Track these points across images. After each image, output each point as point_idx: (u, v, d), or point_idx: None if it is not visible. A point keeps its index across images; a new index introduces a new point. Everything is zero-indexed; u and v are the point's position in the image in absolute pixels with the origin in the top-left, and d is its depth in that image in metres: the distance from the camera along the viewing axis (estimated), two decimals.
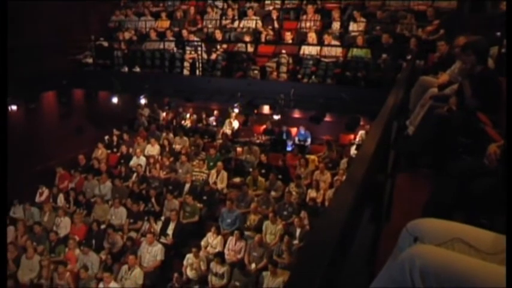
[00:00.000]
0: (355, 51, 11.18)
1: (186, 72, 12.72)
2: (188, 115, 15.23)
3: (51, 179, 12.22)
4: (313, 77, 11.31)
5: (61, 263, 8.80)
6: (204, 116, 14.97)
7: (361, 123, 11.04)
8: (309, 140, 13.27)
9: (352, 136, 12.80)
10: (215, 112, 14.77)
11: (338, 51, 11.32)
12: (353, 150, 11.68)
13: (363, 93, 10.26)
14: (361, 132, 12.11)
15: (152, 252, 8.86)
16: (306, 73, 11.40)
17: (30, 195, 11.53)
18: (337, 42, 11.46)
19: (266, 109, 12.36)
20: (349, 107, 10.24)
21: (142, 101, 13.46)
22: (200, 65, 12.50)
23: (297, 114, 13.41)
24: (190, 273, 8.56)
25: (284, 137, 13.46)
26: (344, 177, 9.93)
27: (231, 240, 8.99)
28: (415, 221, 1.90)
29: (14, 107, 11.97)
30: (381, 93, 5.43)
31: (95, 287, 8.24)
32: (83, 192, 11.31)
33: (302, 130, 13.29)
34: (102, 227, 9.90)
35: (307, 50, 11.63)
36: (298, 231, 8.95)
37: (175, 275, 8.20)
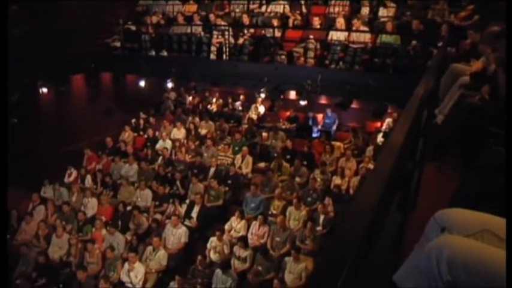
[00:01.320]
0: (384, 38, 10.98)
1: (212, 56, 12.72)
2: (214, 99, 15.25)
3: (80, 160, 12.46)
4: (340, 63, 11.17)
5: (88, 242, 9.02)
6: (230, 100, 14.96)
7: (389, 110, 10.89)
8: (335, 126, 13.17)
9: (379, 124, 12.63)
10: (241, 97, 14.74)
11: (367, 37, 11.15)
12: (380, 138, 11.53)
13: (391, 81, 10.11)
14: (388, 120, 11.94)
15: (176, 235, 8.99)
16: (333, 59, 11.27)
17: (59, 176, 11.79)
18: (366, 28, 11.27)
19: (292, 95, 12.29)
20: (377, 94, 10.10)
21: (169, 84, 13.53)
22: (227, 50, 12.48)
23: (323, 100, 13.29)
24: (213, 256, 8.65)
25: (310, 123, 13.37)
26: (369, 165, 9.89)
27: (255, 224, 9.03)
28: (443, 211, 1.87)
29: (45, 90, 12.20)
30: (410, 80, 5.33)
31: (121, 267, 8.40)
32: (109, 174, 11.51)
33: (329, 113, 13.18)
34: (128, 208, 10.06)
35: (335, 35, 11.48)
36: (321, 217, 8.94)
37: (199, 257, 8.28)
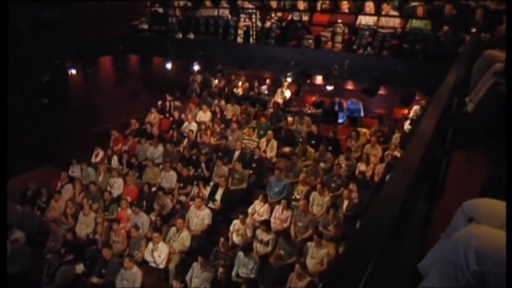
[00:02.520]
0: (415, 23, 10.72)
1: (239, 39, 12.67)
2: (240, 83, 15.23)
3: (106, 141, 12.65)
4: (368, 48, 10.98)
5: (114, 221, 9.20)
6: (256, 84, 14.92)
7: (417, 97, 10.69)
8: (361, 113, 13.01)
9: (406, 111, 12.41)
10: (267, 81, 14.67)
11: (396, 22, 10.92)
12: (407, 126, 11.35)
13: (420, 67, 9.90)
14: (416, 107, 11.73)
15: (200, 216, 9.08)
16: (361, 44, 11.08)
17: (87, 156, 12.01)
18: (395, 13, 11.04)
19: (319, 79, 12.17)
20: (405, 80, 9.92)
21: (196, 67, 13.55)
22: (254, 33, 12.40)
23: (350, 85, 13.11)
24: (236, 238, 8.72)
25: (336, 108, 13.25)
26: (395, 153, 9.78)
27: (278, 209, 9.05)
28: (472, 201, 1.83)
29: (74, 71, 12.37)
30: (440, 67, 5.22)
31: (145, 246, 8.55)
32: (135, 155, 11.66)
33: (351, 101, 13.03)
34: (153, 189, 10.18)
35: (364, 20, 11.27)
36: (345, 203, 8.91)
37: (222, 239, 8.35)
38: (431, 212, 2.91)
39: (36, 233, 9.34)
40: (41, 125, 11.64)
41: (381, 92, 10.91)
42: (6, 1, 5.30)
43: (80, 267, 8.26)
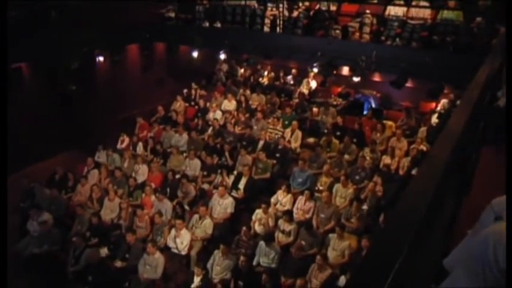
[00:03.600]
0: (446, 14, 10.51)
1: (266, 29, 12.63)
2: (266, 72, 15.17)
3: (132, 127, 12.79)
4: (397, 39, 10.82)
5: (138, 207, 9.32)
6: (281, 74, 14.83)
7: (445, 91, 10.48)
8: (372, 105, 12.85)
9: (433, 104, 12.18)
10: (293, 71, 14.58)
11: (426, 13, 10.72)
12: (434, 119, 11.15)
13: (450, 59, 9.71)
14: (444, 101, 11.50)
15: (223, 205, 9.12)
16: (390, 35, 10.94)
17: (113, 142, 12.18)
18: (426, 3, 10.83)
19: (346, 70, 12.05)
20: (434, 73, 9.75)
21: (222, 56, 13.57)
22: (281, 22, 12.34)
23: (377, 77, 12.94)
24: (258, 228, 8.74)
25: (362, 100, 13.10)
26: (421, 146, 9.63)
27: (301, 199, 9.03)
28: (501, 199, 1.79)
29: (101, 58, 12.52)
30: (471, 60, 5.10)
31: (168, 232, 8.64)
32: (160, 142, 11.75)
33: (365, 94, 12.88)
34: (177, 176, 10.26)
35: (393, 10, 11.12)
36: (369, 196, 8.83)
37: (244, 228, 8.37)
38: (458, 208, 2.86)
39: (64, 216, 9.51)
40: (69, 111, 11.84)
41: (408, 84, 10.75)
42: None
43: (104, 251, 8.40)
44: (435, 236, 2.42)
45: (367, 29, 11.26)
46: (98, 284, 7.59)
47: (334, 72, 11.93)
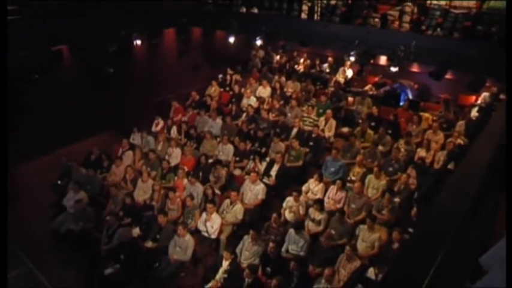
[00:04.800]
0: (493, 3, 10.10)
1: (303, 16, 12.48)
2: (302, 60, 15.03)
3: (167, 111, 12.92)
4: (438, 29, 10.50)
5: (170, 189, 9.44)
6: (317, 62, 14.67)
7: (487, 84, 10.12)
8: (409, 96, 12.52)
9: (473, 97, 11.80)
10: (329, 59, 14.38)
11: (471, 2, 10.35)
12: (474, 113, 10.81)
13: (493, 51, 9.34)
14: (485, 94, 11.13)
15: (254, 191, 9.13)
16: (431, 24, 10.61)
17: (147, 125, 12.34)
18: None
19: (383, 60, 11.79)
20: (475, 65, 9.42)
21: (258, 42, 13.49)
22: (319, 10, 12.16)
23: (415, 68, 12.62)
24: (288, 215, 8.72)
25: (399, 90, 12.82)
26: (459, 140, 9.38)
27: (332, 189, 8.96)
28: None
29: (139, 42, 12.66)
30: None
31: (198, 216, 8.73)
32: (194, 127, 11.83)
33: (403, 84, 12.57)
34: (210, 161, 10.33)
35: None
36: (401, 189, 8.67)
37: (274, 215, 8.37)
38: (497, 207, 2.76)
39: (98, 195, 9.74)
40: (106, 93, 12.05)
41: (448, 76, 10.43)
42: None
43: (136, 231, 8.56)
44: (473, 234, 2.35)
45: (407, 18, 10.97)
46: (129, 263, 7.75)
47: (371, 61, 11.71)
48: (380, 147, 10.19)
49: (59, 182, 10.14)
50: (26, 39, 9.73)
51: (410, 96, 12.47)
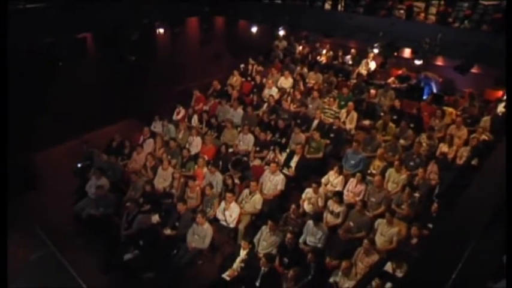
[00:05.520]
0: None
1: (327, 6, 12.37)
2: (324, 51, 14.91)
3: (188, 100, 12.96)
4: (466, 21, 10.27)
5: (190, 177, 9.50)
6: (340, 53, 14.53)
7: None
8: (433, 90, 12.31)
9: (500, 93, 11.51)
10: (352, 50, 14.24)
11: None
12: (500, 108, 10.55)
13: None
14: None
15: (273, 181, 9.13)
16: (458, 16, 10.39)
17: (169, 113, 12.41)
18: None
19: (407, 53, 11.63)
20: (504, 59, 9.16)
21: (281, 32, 13.43)
22: (343, 0, 12.01)
23: (440, 61, 12.38)
24: (307, 207, 8.70)
25: (422, 84, 12.61)
26: (483, 136, 9.19)
27: (352, 181, 8.90)
28: None
29: (162, 30, 12.69)
30: None
31: (217, 205, 8.77)
32: (215, 116, 11.86)
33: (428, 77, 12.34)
34: (230, 150, 10.36)
35: None
36: (422, 183, 8.57)
37: (293, 206, 8.36)
38: None
39: (119, 182, 9.86)
40: (128, 81, 12.15)
41: (474, 70, 10.21)
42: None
43: (155, 218, 8.66)
44: (497, 233, 2.30)
45: (433, 10, 10.77)
46: (147, 249, 7.85)
47: (395, 53, 11.53)
48: (401, 141, 10.07)
49: (81, 167, 10.29)
50: (51, 26, 9.85)
51: (435, 90, 12.26)
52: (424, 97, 12.03)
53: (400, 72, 13.01)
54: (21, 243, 7.93)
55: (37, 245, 8.13)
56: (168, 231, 8.32)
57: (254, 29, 13.39)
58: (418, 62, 10.86)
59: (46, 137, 10.40)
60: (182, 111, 12.40)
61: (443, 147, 9.61)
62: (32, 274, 7.28)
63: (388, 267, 6.55)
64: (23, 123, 9.86)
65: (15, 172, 9.73)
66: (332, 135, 10.51)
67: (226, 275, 7.37)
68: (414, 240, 7.22)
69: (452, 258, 1.11)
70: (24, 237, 8.29)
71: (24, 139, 9.99)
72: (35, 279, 7.35)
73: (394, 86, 12.44)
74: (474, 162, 8.70)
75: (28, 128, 10.06)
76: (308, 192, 8.80)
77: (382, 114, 11.02)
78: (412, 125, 10.41)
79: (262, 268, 7.04)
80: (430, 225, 7.49)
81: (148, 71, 12.82)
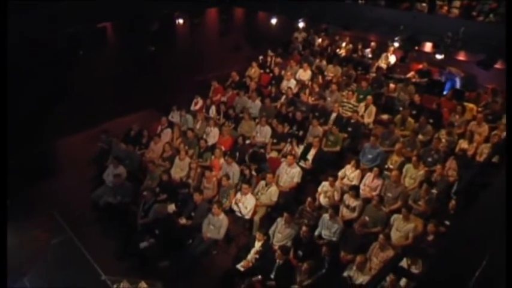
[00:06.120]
0: None
1: None
2: (344, 44, 14.78)
3: (206, 90, 12.99)
4: (491, 15, 10.05)
5: (207, 168, 9.54)
6: (360, 46, 14.38)
7: None
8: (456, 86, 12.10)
9: None
10: (372, 44, 14.09)
11: None
12: None
13: None
14: None
15: (290, 174, 9.12)
16: (483, 10, 10.19)
17: (187, 103, 12.45)
18: None
19: (428, 47, 11.42)
20: None
21: (301, 24, 13.33)
22: None
23: (462, 56, 12.16)
24: (323, 200, 8.68)
25: (443, 79, 12.42)
26: (504, 133, 8.99)
27: (369, 176, 8.84)
28: None
29: (181, 21, 12.70)
30: None
31: (233, 196, 8.79)
32: (233, 107, 11.86)
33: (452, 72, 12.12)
34: (247, 142, 10.37)
35: None
36: (440, 180, 8.46)
37: (309, 199, 8.34)
38: None
39: (136, 171, 9.95)
40: (147, 71, 12.21)
41: (497, 65, 10.00)
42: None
43: (171, 207, 8.72)
44: None
45: (457, 3, 10.57)
46: (163, 238, 7.92)
47: (416, 47, 11.36)
48: (420, 137, 9.95)
49: (99, 154, 10.40)
50: (72, 16, 9.93)
51: (459, 86, 12.07)
52: (445, 92, 11.85)
53: (420, 66, 12.82)
54: (46, 226, 8.13)
55: (56, 230, 8.31)
56: (183, 221, 8.38)
57: (273, 21, 13.31)
58: (439, 57, 10.68)
59: (66, 125, 10.53)
60: (200, 102, 12.44)
61: (463, 144, 9.46)
62: (52, 257, 7.44)
63: (403, 263, 6.50)
64: (43, 111, 10.01)
65: (37, 159, 9.95)
66: (350, 129, 10.45)
67: (240, 266, 7.40)
68: (430, 237, 7.14)
69: (473, 257, 1.09)
70: (49, 221, 8.48)
71: (44, 127, 10.15)
72: (54, 262, 7.52)
73: (414, 80, 12.27)
74: (495, 159, 8.55)
75: (48, 116, 10.20)
76: (324, 185, 8.77)
77: (401, 108, 10.90)
78: (431, 121, 10.27)
79: (277, 260, 7.06)
80: (447, 223, 7.40)
81: (167, 61, 12.86)
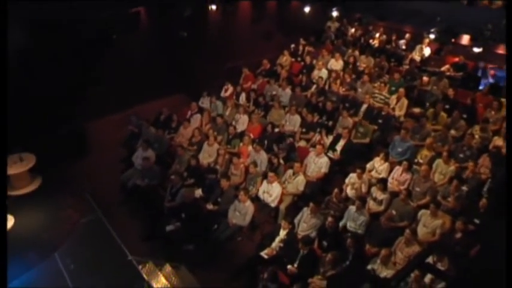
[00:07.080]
0: None
1: None
2: (378, 34, 14.52)
3: (237, 77, 13.01)
4: None
5: (235, 155, 9.59)
6: (394, 37, 14.09)
7: None
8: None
9: None
10: (407, 35, 13.77)
11: None
12: None
13: None
14: None
15: (318, 164, 9.08)
16: None
17: (217, 89, 12.51)
18: None
19: (466, 39, 11.12)
20: None
21: (334, 13, 13.17)
22: None
23: (501, 50, 11.79)
24: (350, 192, 8.61)
25: (479, 73, 12.08)
26: None
27: (398, 169, 8.73)
28: None
29: (214, 7, 12.71)
30: None
31: (260, 183, 8.80)
32: (263, 95, 11.85)
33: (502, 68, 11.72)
34: (276, 130, 10.35)
35: None
36: (471, 177, 8.28)
37: (335, 190, 8.30)
38: None
39: (165, 155, 10.07)
40: (179, 56, 12.28)
41: None
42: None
43: (198, 192, 8.80)
44: None
45: None
46: (189, 222, 8.01)
47: (453, 40, 11.08)
48: (452, 132, 9.73)
49: (130, 137, 10.58)
50: (106, 1, 10.05)
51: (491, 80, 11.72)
52: (481, 87, 11.53)
53: (456, 60, 12.50)
54: (77, 207, 8.35)
55: (86, 209, 8.53)
56: (210, 206, 8.46)
57: (307, 9, 13.19)
58: (476, 50, 10.37)
59: (98, 108, 10.72)
60: (230, 89, 12.48)
61: (498, 141, 9.18)
62: (81, 235, 7.63)
63: (429, 259, 6.43)
64: (77, 93, 10.22)
65: (70, 139, 10.19)
66: (380, 121, 10.31)
67: (264, 253, 7.41)
68: (458, 235, 7.02)
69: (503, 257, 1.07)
70: (80, 201, 8.72)
71: (77, 108, 10.36)
72: (83, 241, 7.70)
73: (448, 74, 11.97)
74: None
75: (82, 97, 10.40)
76: (352, 177, 8.70)
77: (433, 102, 10.67)
78: (465, 116, 10.03)
79: (301, 250, 7.07)
80: (477, 221, 7.26)
81: (199, 47, 12.91)
